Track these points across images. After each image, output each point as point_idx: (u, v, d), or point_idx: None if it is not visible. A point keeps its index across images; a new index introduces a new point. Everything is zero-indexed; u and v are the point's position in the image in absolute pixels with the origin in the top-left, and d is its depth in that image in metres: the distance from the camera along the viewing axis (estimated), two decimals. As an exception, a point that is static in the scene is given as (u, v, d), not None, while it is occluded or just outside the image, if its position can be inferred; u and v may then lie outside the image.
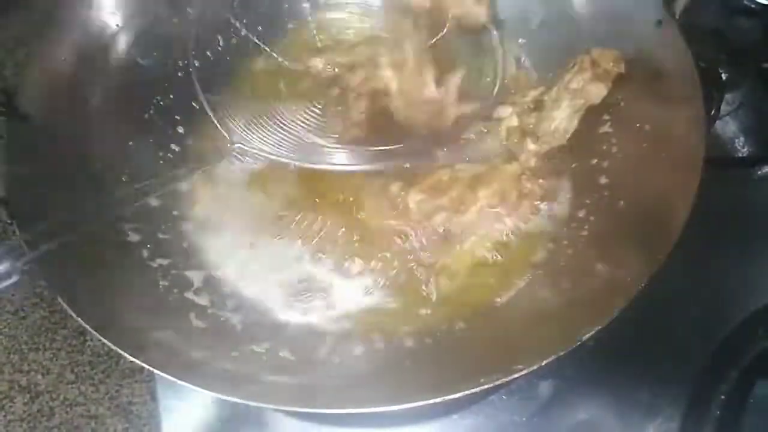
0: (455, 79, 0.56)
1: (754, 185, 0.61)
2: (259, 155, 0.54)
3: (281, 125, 0.56)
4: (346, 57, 0.59)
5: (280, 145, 0.54)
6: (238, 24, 0.59)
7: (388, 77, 0.56)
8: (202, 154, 0.56)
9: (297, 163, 0.54)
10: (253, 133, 0.55)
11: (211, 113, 0.54)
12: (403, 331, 0.49)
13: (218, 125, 0.54)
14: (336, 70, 0.59)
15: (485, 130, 0.56)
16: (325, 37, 0.62)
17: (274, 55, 0.60)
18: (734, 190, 0.60)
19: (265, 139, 0.54)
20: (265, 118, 0.56)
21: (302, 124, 0.56)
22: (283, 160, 0.54)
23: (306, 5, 0.62)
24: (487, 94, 0.57)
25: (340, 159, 0.55)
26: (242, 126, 0.55)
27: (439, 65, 0.57)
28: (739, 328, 0.54)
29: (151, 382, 0.61)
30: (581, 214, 0.52)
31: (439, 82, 0.56)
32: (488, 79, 0.58)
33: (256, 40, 0.60)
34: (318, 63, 0.59)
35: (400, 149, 0.54)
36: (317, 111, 0.57)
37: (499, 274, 0.52)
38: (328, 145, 0.55)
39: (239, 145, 0.53)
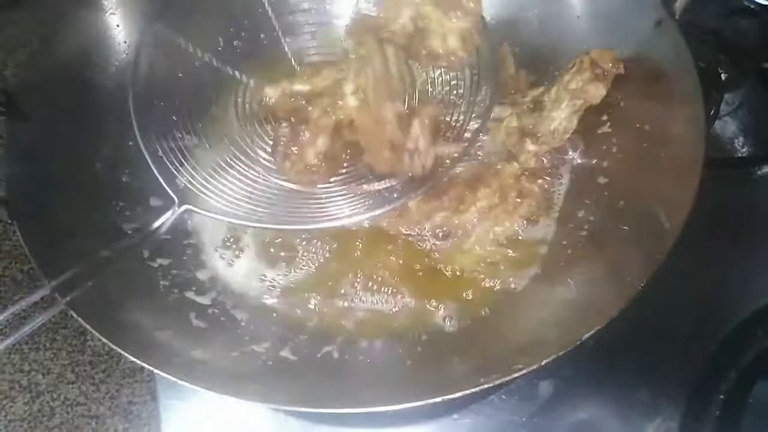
0: (428, 112, 0.48)
1: (754, 185, 0.61)
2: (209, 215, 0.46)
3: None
4: (308, 84, 0.51)
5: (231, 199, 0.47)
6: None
7: (352, 107, 0.48)
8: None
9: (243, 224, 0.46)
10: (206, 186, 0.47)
11: (150, 159, 0.46)
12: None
13: (159, 178, 0.46)
14: (293, 99, 0.51)
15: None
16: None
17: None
18: (734, 190, 0.60)
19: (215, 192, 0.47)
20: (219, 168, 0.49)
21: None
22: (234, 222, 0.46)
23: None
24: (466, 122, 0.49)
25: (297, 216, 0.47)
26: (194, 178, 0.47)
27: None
28: (739, 328, 0.54)
29: (152, 382, 0.61)
30: (581, 214, 0.52)
31: (411, 117, 0.48)
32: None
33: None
34: (274, 92, 0.51)
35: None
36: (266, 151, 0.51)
37: (498, 273, 0.52)
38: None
39: (186, 207, 0.45)
